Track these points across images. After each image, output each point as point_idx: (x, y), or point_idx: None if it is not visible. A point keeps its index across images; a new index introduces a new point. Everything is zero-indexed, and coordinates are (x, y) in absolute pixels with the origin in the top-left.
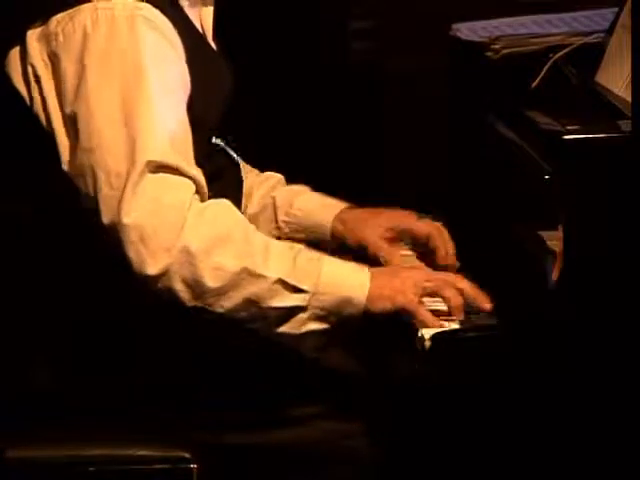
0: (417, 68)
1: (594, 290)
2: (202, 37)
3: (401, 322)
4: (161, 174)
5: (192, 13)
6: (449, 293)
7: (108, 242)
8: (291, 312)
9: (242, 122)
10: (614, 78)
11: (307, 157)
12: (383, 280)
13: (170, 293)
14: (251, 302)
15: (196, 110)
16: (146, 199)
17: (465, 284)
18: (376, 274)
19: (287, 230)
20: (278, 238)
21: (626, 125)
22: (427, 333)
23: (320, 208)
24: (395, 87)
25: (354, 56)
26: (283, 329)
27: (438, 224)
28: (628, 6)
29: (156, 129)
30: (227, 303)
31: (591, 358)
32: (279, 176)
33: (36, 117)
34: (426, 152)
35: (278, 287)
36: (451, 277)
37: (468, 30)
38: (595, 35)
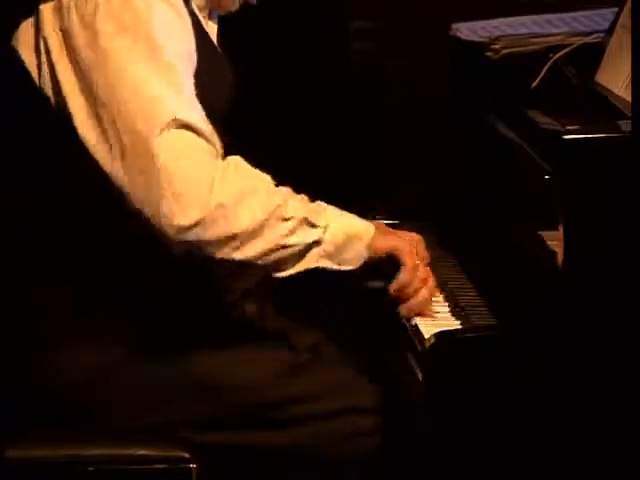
0: (418, 68)
1: (594, 290)
2: (207, 35)
3: (401, 322)
4: (186, 131)
5: (200, 14)
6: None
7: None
8: (309, 248)
9: (243, 123)
10: (614, 78)
11: (307, 157)
12: (386, 229)
13: (200, 244)
14: (277, 244)
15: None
16: (176, 155)
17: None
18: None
19: None
20: None
21: (626, 125)
22: (427, 333)
23: None
24: (396, 87)
25: (355, 56)
26: (299, 266)
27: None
28: (628, 6)
29: (176, 89)
30: (255, 248)
31: (591, 358)
32: None
33: (43, 91)
34: (426, 152)
35: (302, 225)
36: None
37: (468, 30)
38: (595, 35)
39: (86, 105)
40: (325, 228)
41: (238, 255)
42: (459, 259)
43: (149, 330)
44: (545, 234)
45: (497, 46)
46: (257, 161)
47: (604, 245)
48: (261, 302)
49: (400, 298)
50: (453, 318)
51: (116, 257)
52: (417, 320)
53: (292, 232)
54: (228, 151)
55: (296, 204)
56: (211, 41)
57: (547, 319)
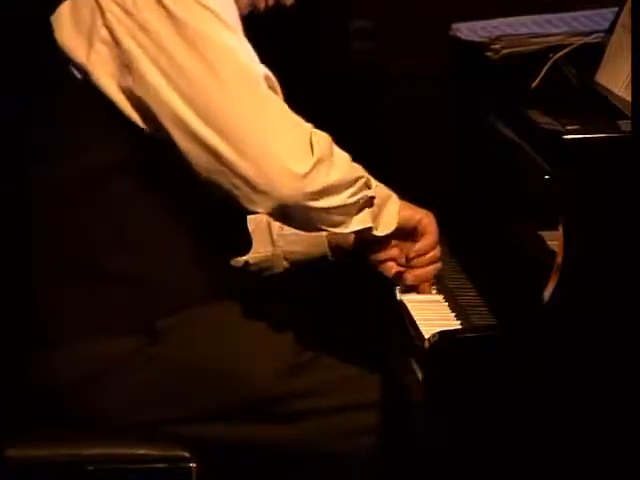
0: (418, 68)
1: (594, 290)
2: None
3: (401, 322)
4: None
5: None
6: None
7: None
8: (367, 204)
9: None
10: (614, 78)
11: None
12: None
13: (306, 196)
14: (357, 198)
15: None
16: (275, 115)
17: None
18: None
19: (282, 243)
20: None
21: (626, 125)
22: (427, 333)
23: None
24: (396, 87)
25: (355, 56)
26: (357, 220)
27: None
28: (628, 6)
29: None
30: (339, 201)
31: (591, 358)
32: None
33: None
34: (426, 152)
35: (365, 183)
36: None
37: (468, 30)
38: (595, 35)
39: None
40: (376, 186)
41: (320, 204)
42: (459, 259)
43: (149, 328)
44: (545, 234)
45: (497, 46)
46: None
47: (604, 245)
48: (263, 298)
49: (411, 265)
50: (453, 318)
51: (117, 254)
52: (417, 321)
53: (362, 189)
54: None
55: (355, 165)
56: None
57: (547, 319)
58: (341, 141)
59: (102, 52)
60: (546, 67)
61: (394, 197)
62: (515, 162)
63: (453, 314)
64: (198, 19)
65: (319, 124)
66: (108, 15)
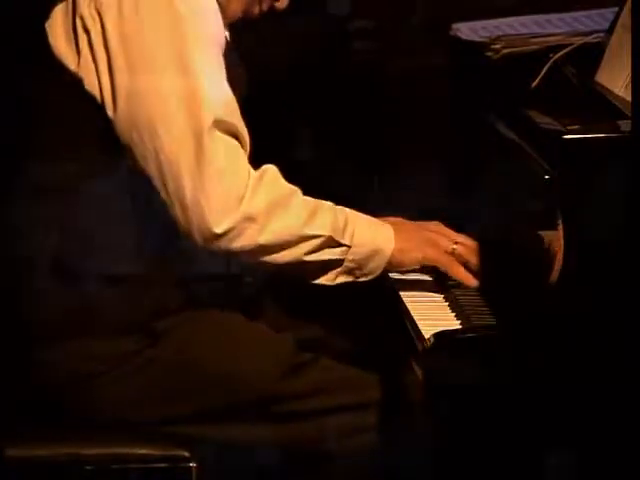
0: (418, 68)
1: (594, 290)
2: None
3: (401, 322)
4: (223, 135)
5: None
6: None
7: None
8: (330, 265)
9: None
10: (614, 78)
11: (307, 156)
12: (409, 233)
13: (228, 252)
14: (300, 260)
15: None
16: (211, 165)
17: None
18: (399, 225)
19: None
20: None
21: (626, 125)
22: (427, 333)
23: None
24: (396, 87)
25: (355, 56)
26: (319, 281)
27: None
28: (628, 6)
29: (212, 83)
30: (277, 261)
31: (591, 358)
32: None
33: (78, 77)
34: (426, 152)
35: (327, 244)
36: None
37: (468, 30)
38: (595, 35)
39: (117, 95)
40: (349, 247)
41: (260, 264)
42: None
43: (148, 328)
44: (545, 234)
45: (497, 46)
46: (254, 159)
47: (604, 245)
48: (263, 296)
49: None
50: (453, 318)
51: (117, 254)
52: (417, 321)
53: (316, 250)
54: None
55: (323, 220)
56: (229, 41)
57: (547, 319)
58: (341, 141)
59: (88, 59)
60: (546, 67)
61: (385, 247)
62: (515, 162)
63: (453, 314)
64: (168, 47)
65: (319, 124)
66: (88, 21)
